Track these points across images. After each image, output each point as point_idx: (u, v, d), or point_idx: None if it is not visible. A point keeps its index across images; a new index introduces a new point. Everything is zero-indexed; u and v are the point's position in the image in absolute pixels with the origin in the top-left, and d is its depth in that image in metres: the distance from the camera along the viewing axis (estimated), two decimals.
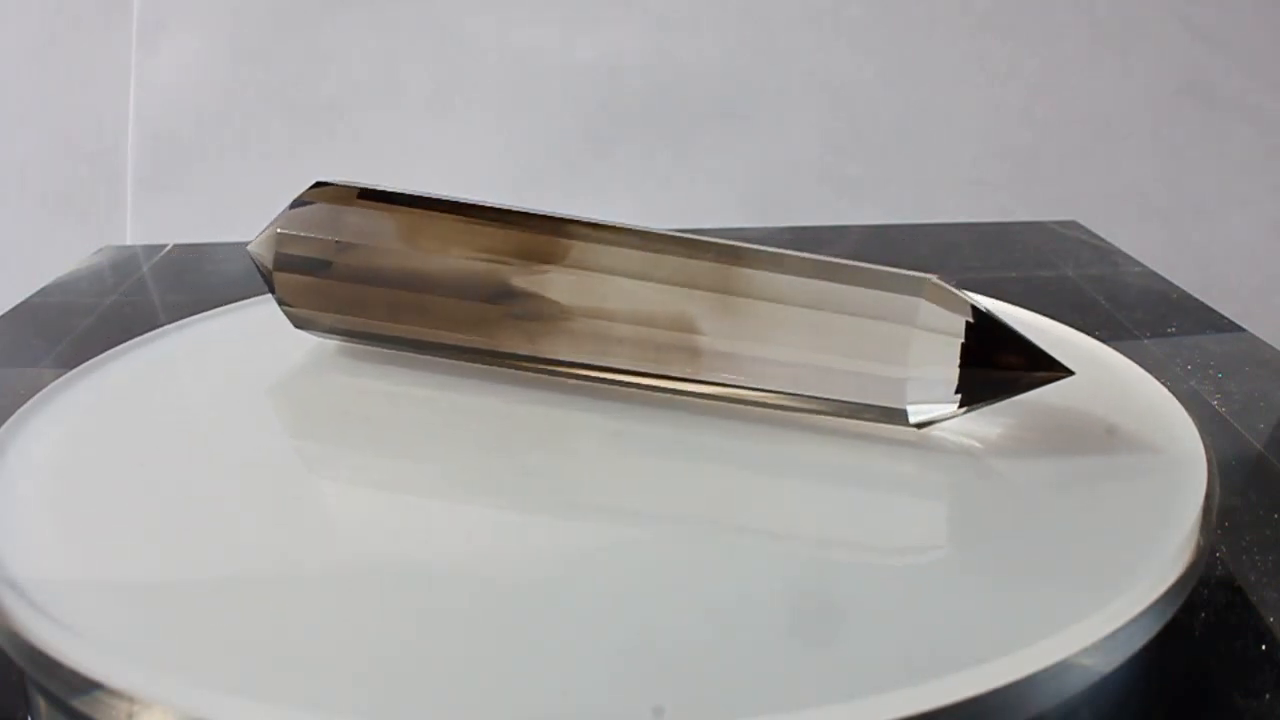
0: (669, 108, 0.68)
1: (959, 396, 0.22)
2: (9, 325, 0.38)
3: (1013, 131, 0.69)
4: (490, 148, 0.68)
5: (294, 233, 0.26)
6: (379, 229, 0.26)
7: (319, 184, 0.27)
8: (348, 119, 0.68)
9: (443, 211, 0.26)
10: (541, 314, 0.25)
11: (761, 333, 0.23)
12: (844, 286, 0.23)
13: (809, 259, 0.23)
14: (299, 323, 0.28)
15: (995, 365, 0.22)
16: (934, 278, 0.23)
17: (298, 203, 0.27)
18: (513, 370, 0.26)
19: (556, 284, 0.24)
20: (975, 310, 0.22)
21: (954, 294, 0.22)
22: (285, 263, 0.27)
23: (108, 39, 0.68)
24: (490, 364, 0.26)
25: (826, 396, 0.23)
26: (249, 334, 0.31)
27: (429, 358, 0.27)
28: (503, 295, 0.25)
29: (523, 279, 0.25)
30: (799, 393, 0.23)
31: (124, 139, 0.68)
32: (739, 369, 0.23)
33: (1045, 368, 0.22)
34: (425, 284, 0.25)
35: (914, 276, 0.23)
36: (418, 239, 0.25)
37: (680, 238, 0.24)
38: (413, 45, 0.68)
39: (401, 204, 0.26)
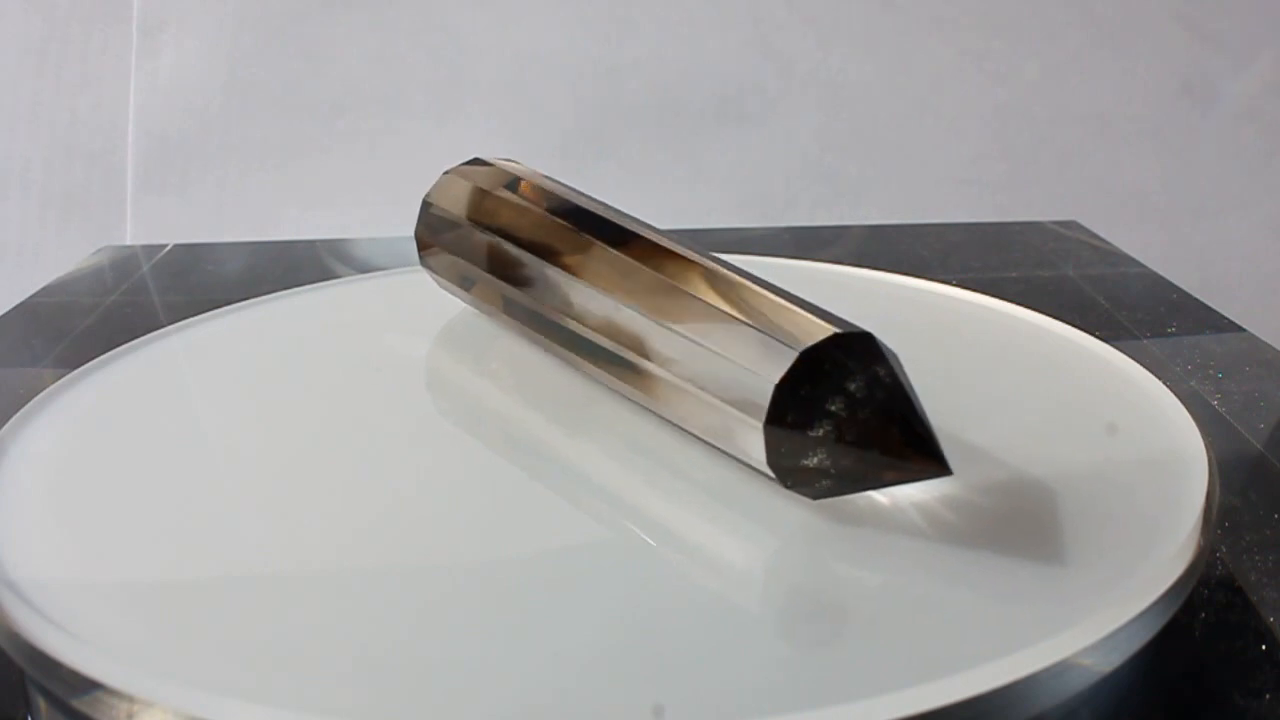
0: (670, 108, 0.68)
1: (821, 475, 0.20)
2: (9, 325, 0.38)
3: (1013, 131, 0.69)
4: (490, 148, 0.68)
5: (432, 201, 0.29)
6: (489, 212, 0.28)
7: (475, 160, 0.30)
8: (348, 119, 0.68)
9: (529, 204, 0.27)
10: (553, 309, 0.25)
11: (668, 365, 0.23)
12: (726, 345, 0.21)
13: (741, 305, 0.22)
14: (439, 284, 0.30)
15: (859, 451, 0.19)
16: (829, 333, 0.20)
17: (449, 172, 0.30)
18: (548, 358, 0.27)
19: (565, 284, 0.25)
20: (846, 394, 0.19)
21: (837, 361, 0.20)
22: (425, 227, 0.29)
23: (108, 39, 0.68)
24: (537, 343, 0.27)
25: (720, 446, 0.22)
26: (248, 335, 0.31)
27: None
28: (537, 286, 0.26)
29: (550, 273, 0.25)
30: (700, 435, 0.23)
31: (124, 139, 0.68)
32: (665, 396, 0.23)
33: (918, 463, 0.19)
34: (496, 267, 0.27)
35: (785, 351, 0.20)
36: (505, 228, 0.27)
37: (659, 247, 0.24)
38: (413, 45, 0.68)
39: (514, 193, 0.28)
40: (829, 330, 0.20)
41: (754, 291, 0.22)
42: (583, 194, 0.27)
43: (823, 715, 0.16)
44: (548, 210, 0.26)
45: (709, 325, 0.22)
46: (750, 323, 0.21)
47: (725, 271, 0.23)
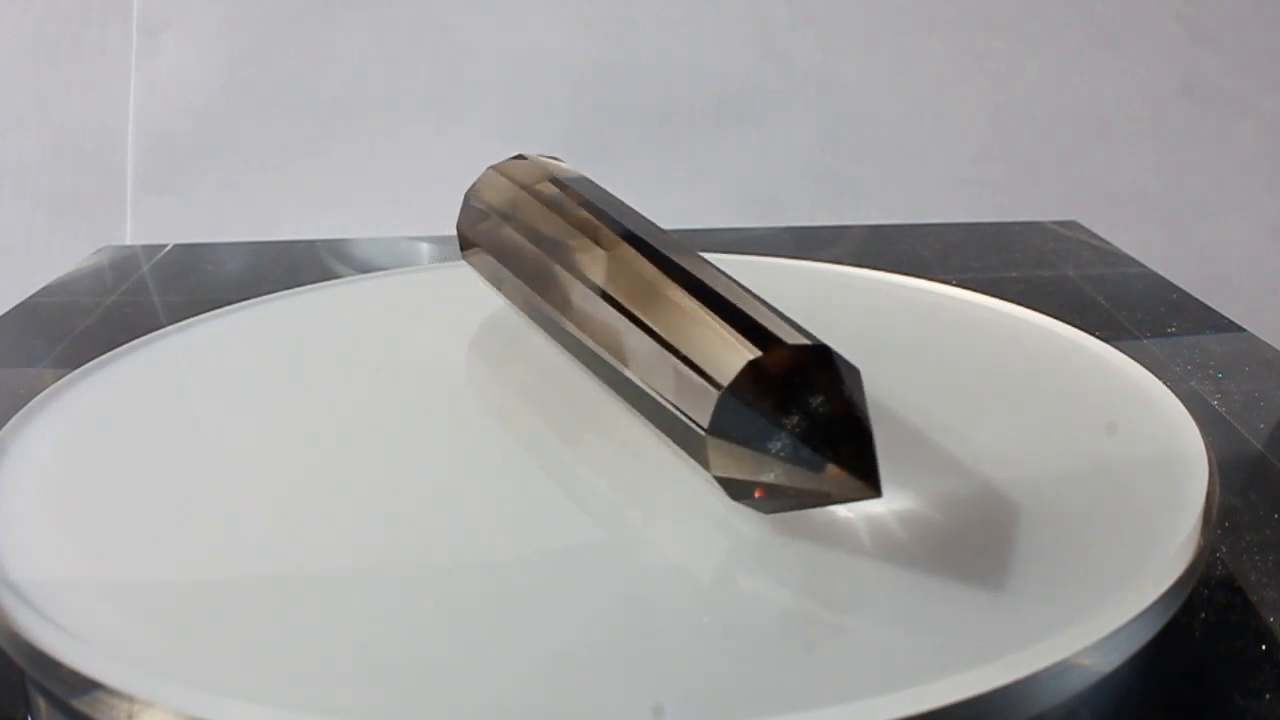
0: (670, 108, 0.68)
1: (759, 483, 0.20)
2: (9, 325, 0.38)
3: (1013, 131, 0.69)
4: (490, 148, 0.68)
5: (471, 197, 0.30)
6: (520, 210, 0.28)
7: (518, 157, 0.30)
8: (348, 119, 0.68)
9: (552, 204, 0.27)
10: (558, 310, 0.25)
11: (639, 371, 0.22)
12: (690, 349, 0.21)
13: (713, 312, 0.21)
14: (482, 281, 0.30)
15: (803, 470, 0.19)
16: (786, 344, 0.20)
17: (492, 168, 0.30)
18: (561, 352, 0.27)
19: (567, 285, 0.25)
20: (794, 411, 0.19)
21: (782, 378, 0.19)
22: (466, 222, 0.30)
23: (108, 39, 0.68)
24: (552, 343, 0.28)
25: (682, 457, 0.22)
26: (248, 335, 0.31)
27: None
28: (549, 286, 0.26)
29: (558, 273, 0.25)
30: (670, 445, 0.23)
31: (124, 139, 0.68)
32: (639, 403, 0.23)
33: (856, 485, 0.19)
34: (519, 266, 0.27)
35: (734, 360, 0.20)
36: (530, 226, 0.27)
37: (653, 249, 0.24)
38: (413, 45, 0.68)
39: (542, 192, 0.28)
40: (787, 342, 0.20)
41: (727, 300, 0.22)
42: (608, 194, 0.27)
43: (823, 715, 0.16)
44: (566, 211, 0.26)
45: (675, 331, 0.22)
46: (712, 330, 0.21)
47: (703, 279, 0.23)
